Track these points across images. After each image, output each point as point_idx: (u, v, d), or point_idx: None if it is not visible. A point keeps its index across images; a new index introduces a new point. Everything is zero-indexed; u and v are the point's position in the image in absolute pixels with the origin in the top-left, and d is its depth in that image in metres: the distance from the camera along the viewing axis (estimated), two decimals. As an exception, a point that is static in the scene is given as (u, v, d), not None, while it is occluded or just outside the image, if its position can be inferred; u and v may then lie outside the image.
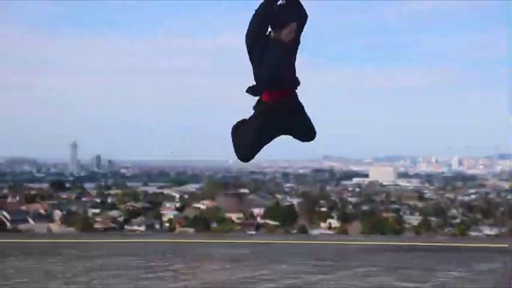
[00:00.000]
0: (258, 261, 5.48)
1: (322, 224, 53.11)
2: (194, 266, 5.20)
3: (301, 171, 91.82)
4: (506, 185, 70.42)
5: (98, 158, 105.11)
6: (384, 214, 55.77)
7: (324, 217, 55.28)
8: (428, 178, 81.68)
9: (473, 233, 44.69)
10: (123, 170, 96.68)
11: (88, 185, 74.42)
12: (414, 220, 54.85)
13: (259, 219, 54.12)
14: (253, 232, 36.94)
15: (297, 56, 5.41)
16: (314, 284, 4.31)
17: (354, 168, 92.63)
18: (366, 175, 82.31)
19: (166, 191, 69.35)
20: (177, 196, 66.12)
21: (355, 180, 78.53)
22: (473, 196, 65.81)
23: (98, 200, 62.63)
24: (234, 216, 53.59)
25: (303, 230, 47.01)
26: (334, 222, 53.25)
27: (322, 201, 61.35)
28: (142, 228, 49.54)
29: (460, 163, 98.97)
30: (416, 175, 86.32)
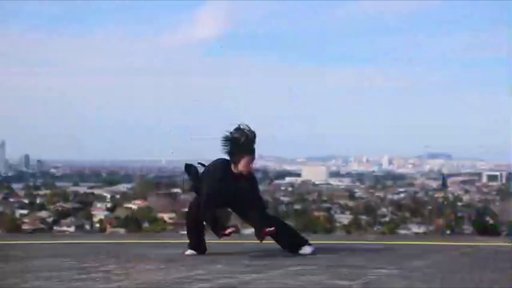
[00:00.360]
0: (193, 261, 5.49)
1: (255, 224, 53.33)
2: (127, 266, 5.17)
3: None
4: (434, 184, 72.14)
5: (26, 157, 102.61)
6: (316, 213, 56.35)
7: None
8: (359, 177, 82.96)
9: (401, 231, 45.65)
10: (52, 170, 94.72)
11: (16, 185, 72.52)
12: (345, 218, 55.62)
13: (191, 219, 53.89)
14: (185, 232, 36.75)
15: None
16: (248, 284, 4.35)
17: (288, 167, 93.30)
18: (299, 175, 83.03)
19: (96, 191, 68.24)
20: (108, 196, 65.19)
21: (288, 179, 79.11)
22: (402, 195, 67.12)
23: (26, 201, 61.16)
24: (166, 216, 53.20)
25: (236, 230, 47.12)
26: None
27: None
28: (72, 229, 48.67)
29: (390, 162, 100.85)
30: (348, 174, 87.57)
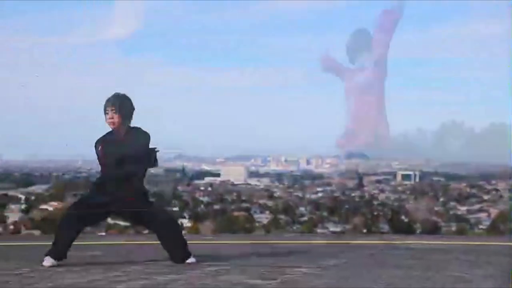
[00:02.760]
0: (110, 262, 5.40)
1: (174, 224, 52.99)
2: (41, 269, 5.03)
3: (152, 171, 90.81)
4: (350, 184, 73.45)
5: None
6: (235, 213, 56.53)
7: (176, 217, 55.15)
8: (278, 177, 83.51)
9: (319, 230, 46.32)
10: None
11: None
12: (264, 218, 55.99)
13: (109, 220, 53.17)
14: (103, 234, 36.23)
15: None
16: (166, 284, 4.31)
17: (207, 167, 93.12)
18: (218, 175, 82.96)
19: (10, 193, 66.38)
20: (23, 197, 63.51)
21: (207, 179, 78.93)
22: (320, 194, 68.02)
23: None
24: (83, 217, 52.26)
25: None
26: (186, 222, 53.27)
27: (174, 201, 61.17)
28: (-16, 231, 47.19)
29: (308, 162, 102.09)
30: (267, 174, 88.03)
